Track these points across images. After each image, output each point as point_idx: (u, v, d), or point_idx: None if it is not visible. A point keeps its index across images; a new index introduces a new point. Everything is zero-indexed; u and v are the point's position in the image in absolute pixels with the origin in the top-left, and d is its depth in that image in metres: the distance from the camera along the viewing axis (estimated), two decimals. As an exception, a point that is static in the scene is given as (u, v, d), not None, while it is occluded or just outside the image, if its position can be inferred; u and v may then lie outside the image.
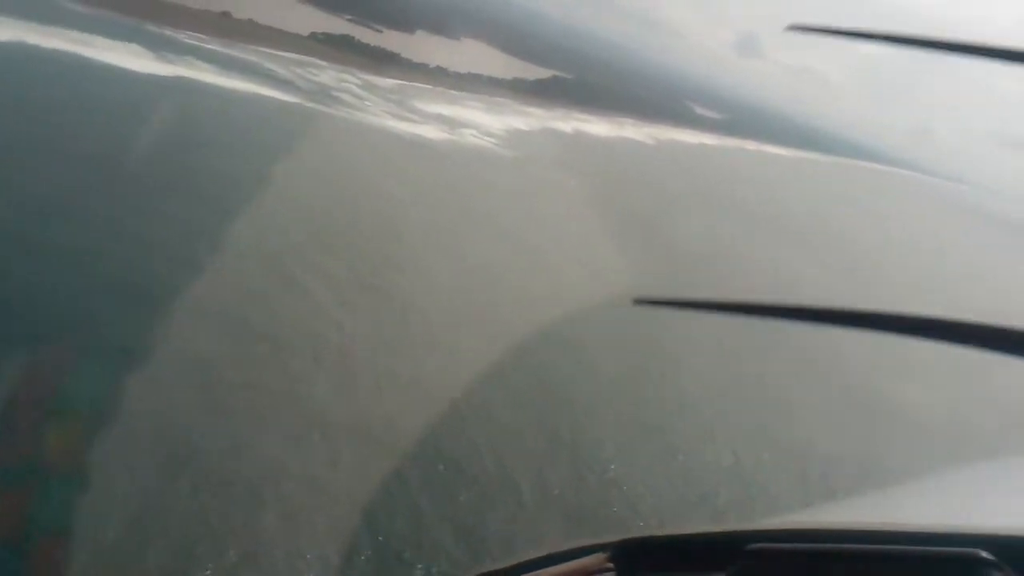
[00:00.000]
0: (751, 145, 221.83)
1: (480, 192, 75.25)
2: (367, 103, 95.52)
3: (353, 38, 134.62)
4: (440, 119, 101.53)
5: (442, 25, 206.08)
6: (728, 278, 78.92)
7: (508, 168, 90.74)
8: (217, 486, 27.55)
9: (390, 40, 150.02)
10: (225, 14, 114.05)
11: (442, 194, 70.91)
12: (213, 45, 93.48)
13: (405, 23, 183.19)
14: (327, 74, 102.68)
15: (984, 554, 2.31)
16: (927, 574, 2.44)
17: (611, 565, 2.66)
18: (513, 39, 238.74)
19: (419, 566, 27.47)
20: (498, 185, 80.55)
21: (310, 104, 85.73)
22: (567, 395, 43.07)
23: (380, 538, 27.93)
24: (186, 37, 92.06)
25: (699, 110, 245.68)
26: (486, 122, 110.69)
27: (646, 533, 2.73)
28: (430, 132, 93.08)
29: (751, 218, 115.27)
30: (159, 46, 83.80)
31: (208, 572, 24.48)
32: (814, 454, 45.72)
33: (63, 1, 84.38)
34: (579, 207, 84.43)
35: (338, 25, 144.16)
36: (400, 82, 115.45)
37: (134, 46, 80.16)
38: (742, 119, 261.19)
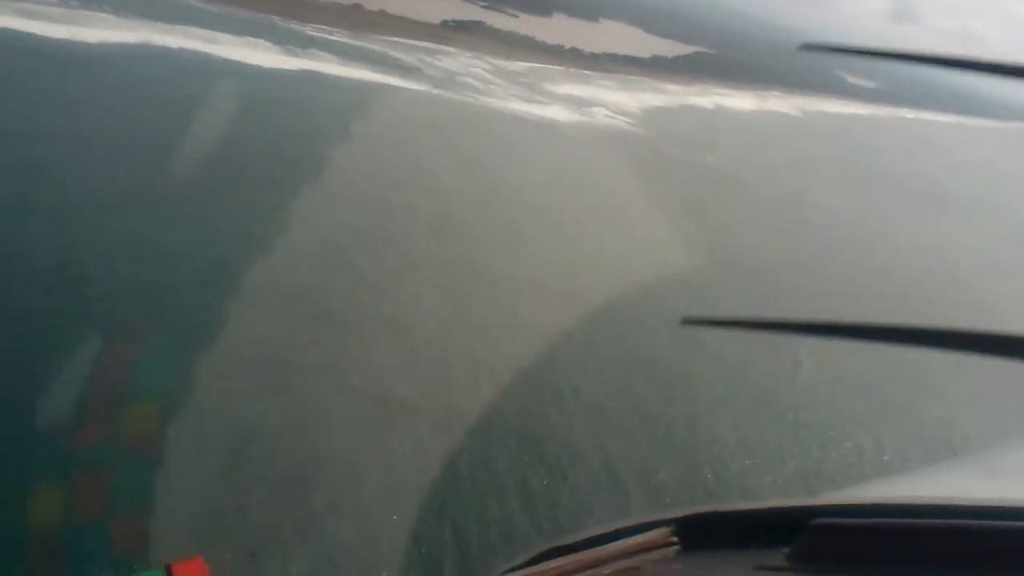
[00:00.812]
0: (908, 113, 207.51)
1: (604, 173, 70.98)
2: (494, 87, 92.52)
3: (485, 24, 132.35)
4: (570, 100, 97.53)
5: (580, 7, 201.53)
6: (883, 260, 72.18)
7: (639, 147, 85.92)
8: (286, 469, 27.68)
9: (525, 24, 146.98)
10: (356, 6, 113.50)
11: (563, 176, 67.14)
12: (340, 37, 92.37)
13: (542, 7, 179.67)
14: (456, 60, 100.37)
15: None
16: (994, 548, 2.40)
17: (676, 539, 2.68)
18: (655, 17, 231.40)
19: (487, 541, 27.19)
20: (625, 165, 76.01)
21: (435, 91, 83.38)
22: (680, 385, 39.27)
23: (450, 514, 27.72)
24: (312, 30, 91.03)
25: (851, 79, 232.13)
26: (619, 101, 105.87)
27: (709, 507, 2.73)
28: (558, 113, 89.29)
29: (907, 190, 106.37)
30: (285, 40, 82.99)
31: (277, 550, 24.88)
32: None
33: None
34: (714, 186, 79.14)
35: (471, 12, 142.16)
36: (532, 65, 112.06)
37: (261, 41, 79.54)
38: (898, 87, 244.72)
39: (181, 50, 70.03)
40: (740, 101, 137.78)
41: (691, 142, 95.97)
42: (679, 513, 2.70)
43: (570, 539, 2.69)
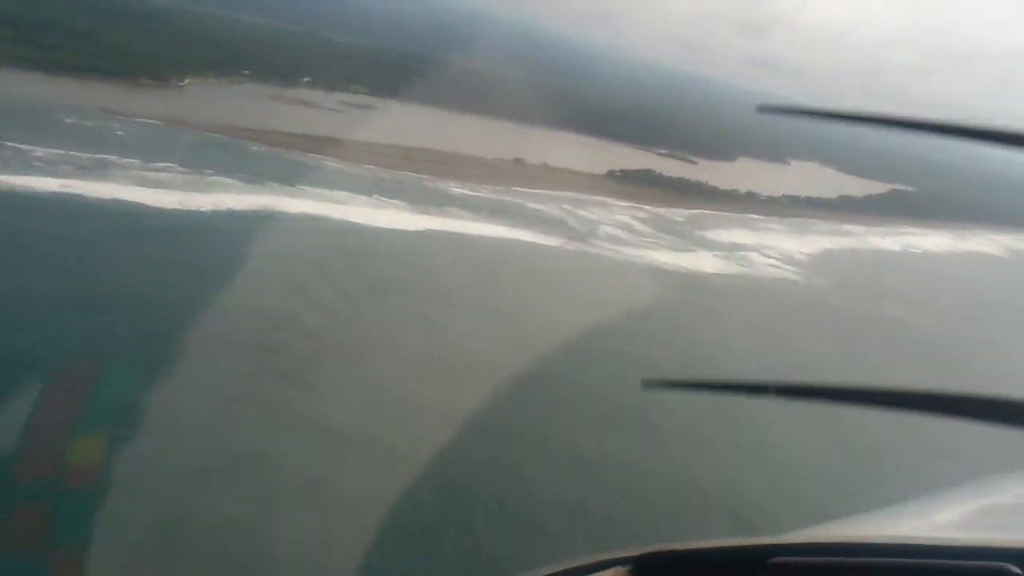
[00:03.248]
0: None
1: (743, 328, 60.49)
2: (643, 237, 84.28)
3: (654, 171, 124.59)
4: (728, 247, 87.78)
5: (769, 150, 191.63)
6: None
7: (801, 299, 74.76)
8: (235, 499, 27.89)
9: (701, 170, 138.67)
10: (518, 160, 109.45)
11: (693, 330, 57.47)
12: (483, 193, 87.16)
13: (725, 152, 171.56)
14: (606, 211, 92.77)
15: (1013, 568, 2.24)
16: None
17: None
18: (851, 156, 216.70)
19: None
20: (776, 320, 65.16)
21: (570, 243, 76.03)
22: None
23: (396, 550, 27.47)
24: (457, 187, 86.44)
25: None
26: (787, 247, 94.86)
27: (666, 546, 2.64)
28: (708, 263, 79.68)
29: None
30: (421, 199, 78.48)
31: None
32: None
33: (330, 161, 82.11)
34: (891, 345, 66.15)
35: (645, 160, 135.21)
36: (694, 212, 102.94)
37: (393, 200, 75.36)
38: None
39: (301, 213, 66.33)
40: (934, 240, 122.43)
41: (869, 291, 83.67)
42: (635, 552, 2.56)
43: None
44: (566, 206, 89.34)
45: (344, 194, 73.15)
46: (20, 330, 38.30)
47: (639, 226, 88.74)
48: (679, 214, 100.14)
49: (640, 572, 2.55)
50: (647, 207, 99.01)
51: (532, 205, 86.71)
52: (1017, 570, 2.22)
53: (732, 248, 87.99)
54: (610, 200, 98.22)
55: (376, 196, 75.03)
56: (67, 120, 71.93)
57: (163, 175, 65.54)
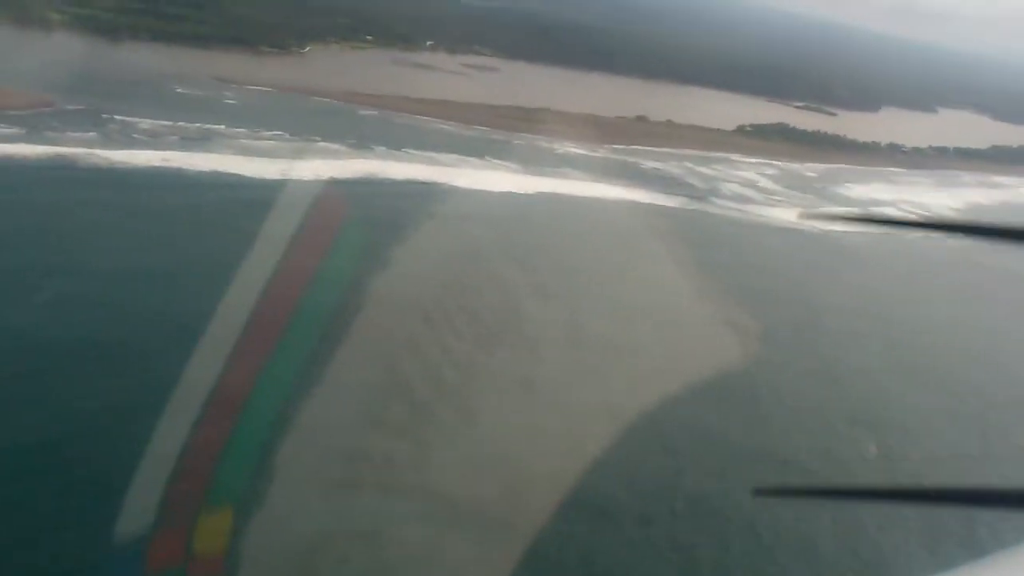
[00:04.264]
0: None
1: (872, 291, 55.63)
2: (770, 195, 79.26)
3: (788, 125, 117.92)
4: (867, 203, 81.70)
5: (915, 99, 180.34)
6: None
7: (945, 257, 68.47)
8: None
9: (841, 123, 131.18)
10: (641, 118, 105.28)
11: (817, 292, 53.27)
12: (602, 152, 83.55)
13: (868, 103, 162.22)
14: (732, 168, 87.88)
15: None
16: None
17: None
18: (1009, 103, 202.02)
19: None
20: (913, 276, 59.98)
21: (689, 203, 71.86)
22: None
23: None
24: (575, 147, 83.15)
25: None
26: (930, 201, 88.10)
27: None
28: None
29: None
30: (534, 160, 75.67)
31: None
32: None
33: (443, 124, 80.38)
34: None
35: (780, 114, 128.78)
36: (829, 167, 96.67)
37: (509, 163, 72.95)
38: None
39: (406, 179, 64.71)
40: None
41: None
42: None
43: None
44: (689, 164, 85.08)
45: (454, 156, 71.44)
46: (105, 306, 38.05)
47: (767, 183, 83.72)
48: (812, 170, 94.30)
49: None
50: (778, 163, 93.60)
51: (650, 163, 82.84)
52: None
53: (868, 204, 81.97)
54: (736, 157, 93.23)
55: (487, 158, 72.96)
56: (178, 90, 72.64)
57: (269, 143, 65.12)
